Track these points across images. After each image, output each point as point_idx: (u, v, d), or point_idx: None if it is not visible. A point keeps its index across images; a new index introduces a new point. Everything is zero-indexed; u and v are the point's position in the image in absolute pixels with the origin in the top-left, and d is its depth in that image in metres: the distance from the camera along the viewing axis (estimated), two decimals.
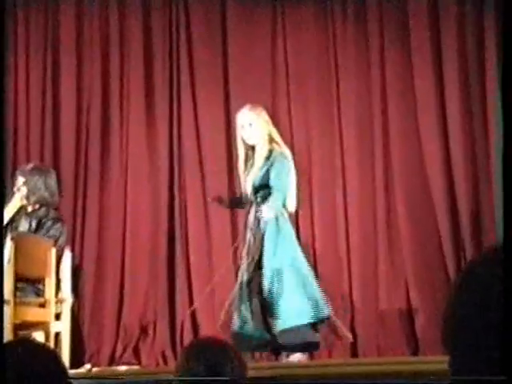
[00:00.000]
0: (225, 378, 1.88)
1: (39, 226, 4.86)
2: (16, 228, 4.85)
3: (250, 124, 4.92)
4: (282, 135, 5.23)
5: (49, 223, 4.88)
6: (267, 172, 4.86)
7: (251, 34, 6.12)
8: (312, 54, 6.05)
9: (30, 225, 4.86)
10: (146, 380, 3.92)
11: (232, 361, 1.96)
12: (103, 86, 6.11)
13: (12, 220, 4.91)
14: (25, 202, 4.94)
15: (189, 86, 6.08)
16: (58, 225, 4.91)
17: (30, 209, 4.97)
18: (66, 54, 6.12)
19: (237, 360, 1.98)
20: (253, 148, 4.96)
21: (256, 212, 4.86)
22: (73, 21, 6.14)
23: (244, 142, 4.97)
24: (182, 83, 6.09)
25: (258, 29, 6.12)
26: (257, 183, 4.87)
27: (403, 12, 5.99)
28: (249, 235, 4.89)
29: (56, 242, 4.77)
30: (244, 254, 4.90)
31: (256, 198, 4.89)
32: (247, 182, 4.95)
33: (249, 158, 4.97)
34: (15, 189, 4.98)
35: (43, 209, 4.95)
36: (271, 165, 4.87)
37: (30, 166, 5.15)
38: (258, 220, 4.86)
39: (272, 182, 4.84)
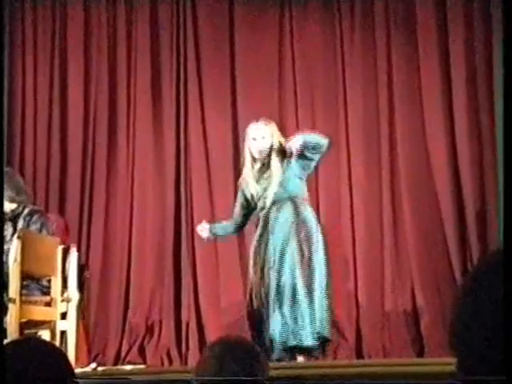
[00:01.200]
0: (257, 378, 1.87)
1: (16, 226, 4.76)
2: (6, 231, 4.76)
3: (263, 137, 4.79)
4: (287, 137, 5.16)
5: (27, 219, 4.78)
6: (283, 182, 4.76)
7: (258, 35, 6.14)
8: (319, 54, 6.07)
9: (14, 228, 4.77)
10: (158, 379, 3.91)
11: (260, 360, 1.95)
12: (110, 87, 6.14)
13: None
14: None
15: (196, 88, 6.09)
16: (35, 217, 4.80)
17: (8, 211, 4.84)
18: (73, 55, 6.14)
19: (261, 359, 1.97)
20: (254, 159, 4.85)
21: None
22: (80, 22, 6.16)
23: (251, 154, 4.88)
24: (189, 85, 6.10)
25: (265, 31, 6.14)
26: (277, 194, 4.72)
27: (410, 11, 6.00)
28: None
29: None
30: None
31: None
32: (268, 196, 4.79)
33: (259, 171, 4.84)
34: None
35: (20, 207, 4.83)
36: (285, 176, 4.76)
37: None
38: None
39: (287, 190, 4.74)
